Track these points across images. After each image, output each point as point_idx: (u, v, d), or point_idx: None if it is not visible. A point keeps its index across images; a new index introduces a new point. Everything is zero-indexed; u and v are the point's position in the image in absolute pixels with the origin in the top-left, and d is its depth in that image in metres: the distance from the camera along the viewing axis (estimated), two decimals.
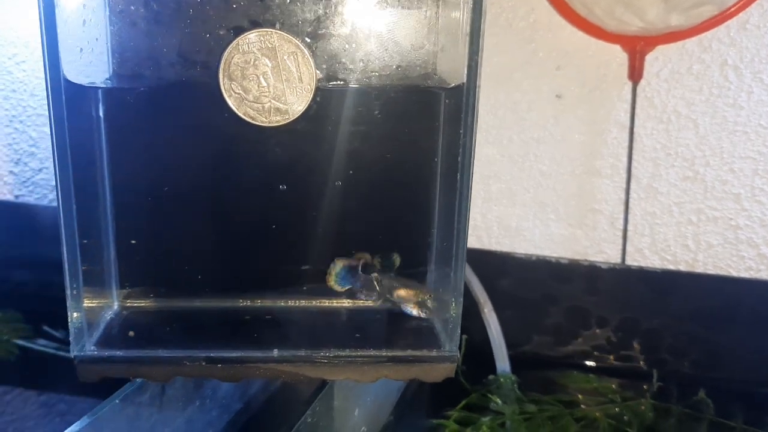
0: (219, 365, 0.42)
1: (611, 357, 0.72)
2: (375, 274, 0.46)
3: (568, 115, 0.70)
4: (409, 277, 0.47)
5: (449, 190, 0.44)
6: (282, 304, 0.48)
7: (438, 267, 0.47)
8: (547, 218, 0.74)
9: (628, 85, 0.68)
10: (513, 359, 0.68)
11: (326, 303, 0.48)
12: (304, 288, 0.47)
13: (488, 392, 0.65)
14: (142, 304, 0.47)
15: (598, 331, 0.72)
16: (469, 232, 0.76)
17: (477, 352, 0.68)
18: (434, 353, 0.43)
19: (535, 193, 0.73)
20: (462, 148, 0.42)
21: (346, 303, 0.47)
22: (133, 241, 0.46)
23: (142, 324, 0.45)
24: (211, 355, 0.42)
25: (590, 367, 0.72)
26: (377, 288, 0.45)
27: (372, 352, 0.43)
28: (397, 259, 0.46)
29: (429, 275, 0.48)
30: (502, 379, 0.66)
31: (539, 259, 0.72)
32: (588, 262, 0.72)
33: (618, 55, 0.68)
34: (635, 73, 0.66)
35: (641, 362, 0.71)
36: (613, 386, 0.68)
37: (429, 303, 0.45)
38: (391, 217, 0.47)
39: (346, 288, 0.46)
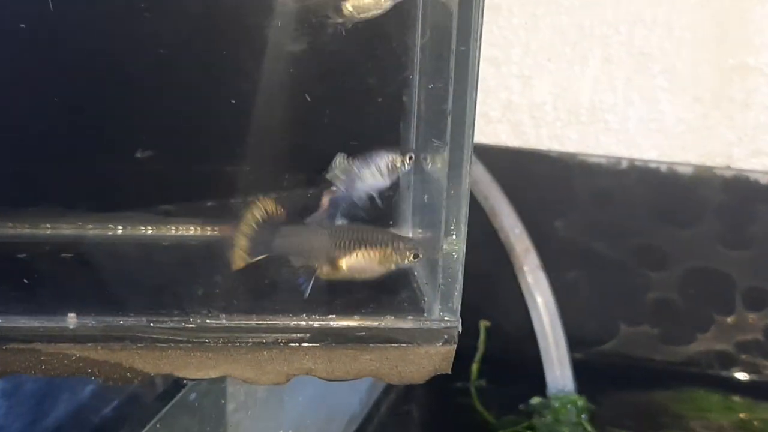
0: None
1: None
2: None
3: None
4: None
5: None
6: (94, 231, 0.49)
7: (421, 138, 0.47)
8: (652, 85, 0.73)
9: None
10: (580, 367, 0.69)
11: (191, 230, 0.50)
12: (146, 201, 0.49)
13: (530, 428, 0.66)
14: None
15: (748, 316, 0.74)
16: (501, 114, 0.77)
17: (508, 351, 0.70)
18: (410, 323, 0.44)
19: (628, 33, 0.73)
20: None
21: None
22: None
23: None
24: None
25: (729, 381, 0.74)
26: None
27: (278, 322, 0.43)
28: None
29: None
30: (557, 404, 0.68)
31: (635, 167, 0.73)
32: (733, 171, 0.73)
33: None
34: None
35: None
36: None
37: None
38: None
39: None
